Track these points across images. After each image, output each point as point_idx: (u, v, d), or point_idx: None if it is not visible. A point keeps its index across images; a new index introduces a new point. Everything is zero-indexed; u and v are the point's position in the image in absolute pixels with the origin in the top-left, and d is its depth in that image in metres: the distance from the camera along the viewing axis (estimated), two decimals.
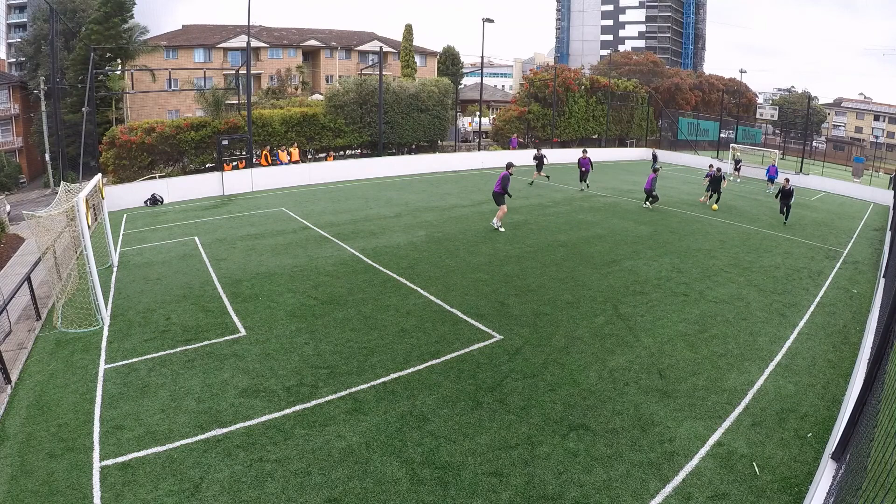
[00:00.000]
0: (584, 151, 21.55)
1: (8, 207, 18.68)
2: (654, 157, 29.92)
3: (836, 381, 6.58)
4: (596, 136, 38.00)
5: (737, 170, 28.28)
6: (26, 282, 8.15)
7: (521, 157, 30.24)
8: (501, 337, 7.55)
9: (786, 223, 16.14)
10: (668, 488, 4.65)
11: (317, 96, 37.60)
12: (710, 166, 19.88)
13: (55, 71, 23.50)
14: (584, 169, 20.98)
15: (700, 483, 4.72)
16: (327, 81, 42.43)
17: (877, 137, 62.78)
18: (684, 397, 6.10)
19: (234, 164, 21.47)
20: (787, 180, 16.54)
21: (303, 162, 24.29)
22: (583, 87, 36.76)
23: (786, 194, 16.19)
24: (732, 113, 46.14)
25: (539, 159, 22.84)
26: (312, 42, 43.98)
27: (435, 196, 18.81)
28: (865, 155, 42.90)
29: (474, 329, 7.80)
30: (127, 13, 30.21)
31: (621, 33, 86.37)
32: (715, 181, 18.33)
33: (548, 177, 23.00)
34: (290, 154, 23.70)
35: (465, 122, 39.11)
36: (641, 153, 36.95)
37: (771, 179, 24.68)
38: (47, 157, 31.58)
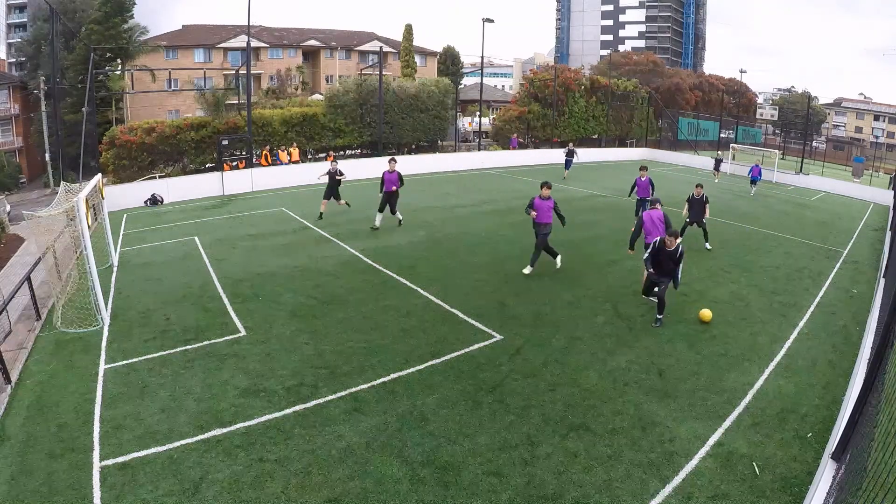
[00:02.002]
0: (392, 161, 13.47)
1: (8, 207, 18.69)
2: (571, 154, 24.80)
3: (836, 381, 6.58)
4: (596, 135, 38.01)
5: (717, 169, 26.21)
6: (26, 282, 8.16)
7: (521, 157, 30.30)
8: (501, 337, 7.55)
9: (657, 320, 8.04)
10: (668, 488, 4.65)
11: (317, 96, 37.59)
12: (643, 169, 13.29)
13: (55, 71, 23.46)
14: (388, 191, 12.98)
15: (700, 483, 4.72)
16: (327, 81, 42.45)
17: (877, 137, 62.73)
18: (684, 397, 6.10)
19: (234, 164, 21.47)
20: (675, 238, 7.71)
21: (303, 162, 24.29)
22: (583, 87, 36.73)
23: (667, 256, 7.75)
24: (732, 113, 46.15)
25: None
26: (312, 42, 44.00)
27: (435, 196, 18.80)
28: (865, 155, 42.84)
29: (474, 329, 7.80)
30: (127, 13, 30.27)
31: (621, 33, 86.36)
32: (697, 207, 11.93)
33: (348, 204, 15.08)
34: (290, 154, 23.70)
35: (465, 122, 39.09)
36: (642, 153, 36.90)
37: (754, 181, 22.49)
38: (47, 157, 31.60)
